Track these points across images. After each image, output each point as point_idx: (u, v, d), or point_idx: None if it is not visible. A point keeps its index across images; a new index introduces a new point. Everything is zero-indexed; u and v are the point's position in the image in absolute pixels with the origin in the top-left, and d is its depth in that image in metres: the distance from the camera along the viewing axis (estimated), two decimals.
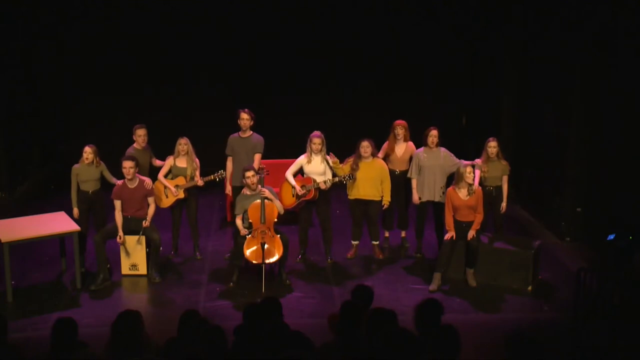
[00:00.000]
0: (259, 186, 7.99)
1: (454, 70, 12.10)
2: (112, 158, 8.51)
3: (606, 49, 8.52)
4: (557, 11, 9.43)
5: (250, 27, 11.60)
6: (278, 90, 11.68)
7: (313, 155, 8.35)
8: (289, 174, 8.46)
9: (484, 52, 11.76)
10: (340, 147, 8.75)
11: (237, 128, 8.68)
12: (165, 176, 8.60)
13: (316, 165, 8.35)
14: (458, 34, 11.98)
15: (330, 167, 8.37)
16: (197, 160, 8.63)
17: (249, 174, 7.88)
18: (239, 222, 7.96)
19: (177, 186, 8.52)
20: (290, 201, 8.46)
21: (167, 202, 8.61)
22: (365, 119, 11.12)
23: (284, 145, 9.67)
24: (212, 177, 8.58)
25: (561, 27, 9.33)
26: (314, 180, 8.28)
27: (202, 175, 8.57)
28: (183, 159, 8.57)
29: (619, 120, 8.45)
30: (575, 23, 8.91)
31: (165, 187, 8.55)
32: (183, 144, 8.53)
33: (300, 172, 8.48)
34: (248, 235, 7.83)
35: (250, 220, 7.88)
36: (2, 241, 7.52)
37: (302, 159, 8.44)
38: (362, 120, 11.16)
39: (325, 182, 8.23)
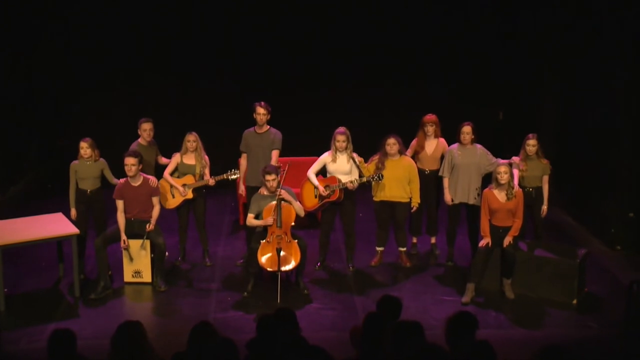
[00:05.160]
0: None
1: (490, 63, 12.05)
2: (112, 157, 8.50)
3: None
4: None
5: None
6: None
7: (338, 153, 8.30)
8: (311, 173, 8.40)
9: (525, 42, 11.62)
10: (362, 146, 8.66)
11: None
12: (172, 174, 8.56)
13: (342, 164, 8.29)
14: (496, 24, 11.93)
15: (357, 166, 8.30)
16: (206, 157, 8.59)
17: (270, 177, 7.80)
18: (252, 220, 7.90)
19: (185, 185, 8.48)
20: (312, 202, 8.40)
21: (173, 203, 8.58)
22: (390, 115, 11.26)
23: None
24: (224, 176, 8.53)
25: (609, 17, 9.19)
26: (339, 180, 8.22)
27: (212, 174, 8.52)
28: (191, 155, 8.53)
29: None
30: (624, 13, 8.78)
31: (171, 186, 8.52)
32: (192, 140, 8.48)
33: (321, 172, 8.45)
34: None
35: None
36: None
37: (325, 157, 8.39)
38: (386, 116, 11.29)
39: (352, 181, 8.16)
